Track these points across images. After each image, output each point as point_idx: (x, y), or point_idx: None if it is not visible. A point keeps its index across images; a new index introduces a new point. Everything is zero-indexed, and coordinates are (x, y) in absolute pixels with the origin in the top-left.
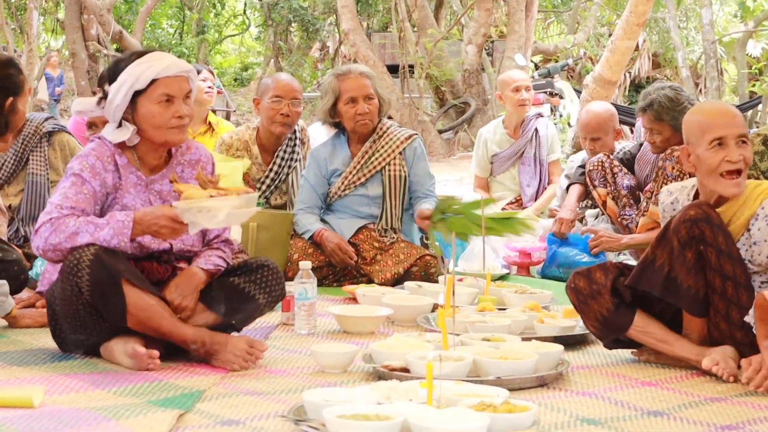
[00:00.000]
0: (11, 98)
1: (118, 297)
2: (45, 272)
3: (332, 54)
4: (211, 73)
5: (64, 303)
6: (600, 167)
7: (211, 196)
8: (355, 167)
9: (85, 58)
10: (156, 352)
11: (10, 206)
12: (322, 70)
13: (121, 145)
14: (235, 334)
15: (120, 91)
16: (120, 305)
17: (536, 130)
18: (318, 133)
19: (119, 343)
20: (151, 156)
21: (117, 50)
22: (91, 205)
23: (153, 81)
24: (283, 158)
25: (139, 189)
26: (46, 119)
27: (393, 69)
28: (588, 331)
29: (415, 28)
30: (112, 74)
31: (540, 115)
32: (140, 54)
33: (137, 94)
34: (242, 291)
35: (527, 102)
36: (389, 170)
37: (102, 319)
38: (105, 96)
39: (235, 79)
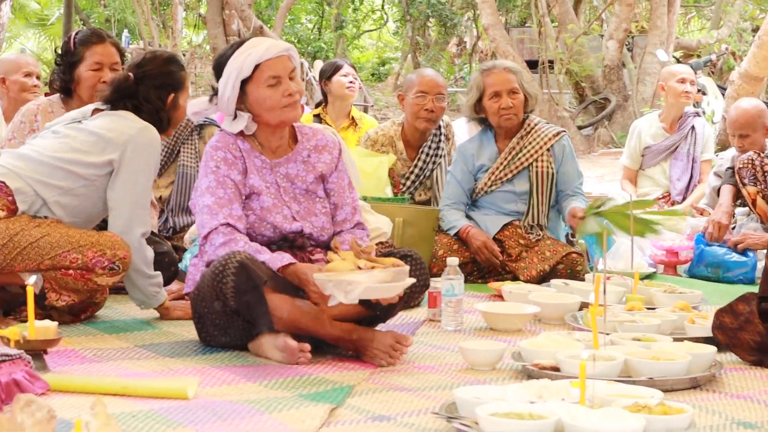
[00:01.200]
0: (173, 94)
1: (261, 303)
2: (189, 273)
3: (470, 49)
4: (353, 68)
5: (210, 307)
6: (750, 165)
7: (359, 268)
8: (502, 163)
9: None
10: (307, 346)
11: (160, 197)
12: (459, 66)
13: (241, 134)
14: (381, 327)
15: (228, 83)
16: (264, 311)
17: (693, 127)
18: (461, 130)
19: (269, 338)
20: (272, 139)
21: None
22: (239, 198)
23: (257, 66)
24: (428, 154)
25: (264, 172)
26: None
27: (532, 64)
28: None
29: (555, 24)
30: (217, 70)
31: (697, 114)
32: (238, 44)
33: (245, 83)
34: None
35: (690, 95)
36: (537, 167)
37: (248, 322)
38: (215, 93)
39: (373, 74)
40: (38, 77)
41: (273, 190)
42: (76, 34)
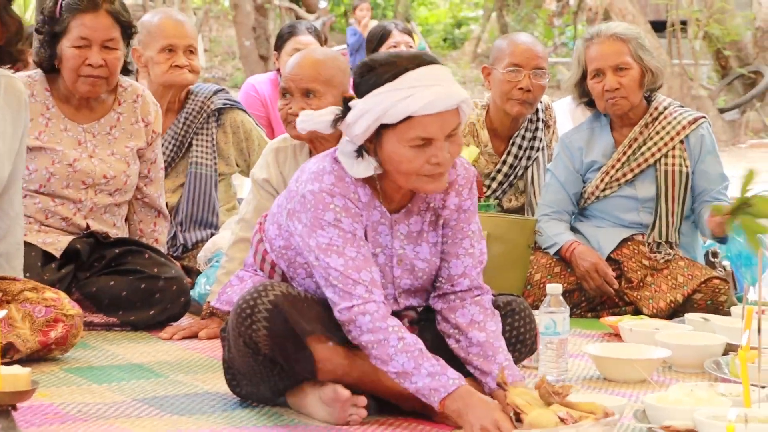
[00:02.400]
0: None
1: (303, 352)
2: (228, 286)
3: (574, 6)
4: (410, 35)
5: (239, 353)
6: None
7: (562, 420)
8: (619, 160)
9: (250, 11)
10: (363, 399)
11: (166, 205)
12: (559, 28)
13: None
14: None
15: (363, 119)
16: (307, 356)
17: None
18: (565, 114)
19: (313, 388)
20: (396, 193)
21: (292, 1)
22: (371, 261)
23: (407, 117)
24: (521, 146)
25: (381, 230)
26: (216, 92)
27: (658, 26)
28: None
29: None
30: (357, 87)
31: None
32: (398, 66)
33: (384, 126)
34: None
35: None
36: (666, 164)
37: (285, 372)
38: (344, 114)
39: (445, 39)
40: None
41: (381, 261)
42: None
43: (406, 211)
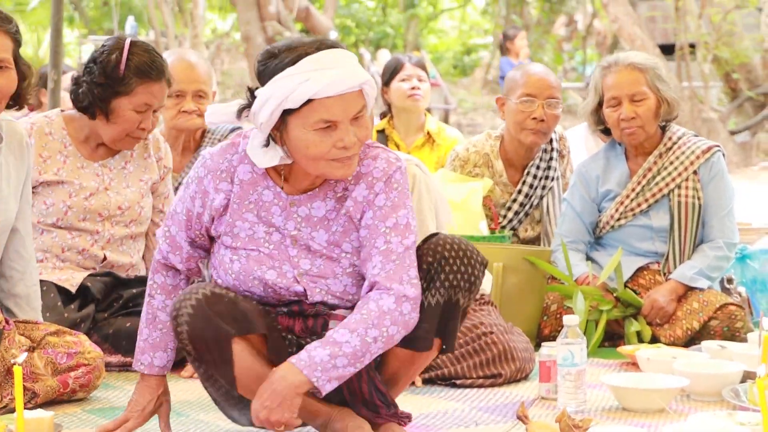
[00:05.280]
0: None
1: (225, 360)
2: None
3: (583, 31)
4: (423, 69)
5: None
6: None
7: None
8: (634, 189)
9: (262, 43)
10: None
11: None
12: (569, 53)
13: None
14: None
15: (266, 106)
16: (228, 370)
17: None
18: (579, 142)
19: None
20: (304, 179)
21: (303, 32)
22: (178, 244)
23: (309, 101)
24: (535, 176)
25: (273, 211)
26: (232, 130)
27: (667, 50)
28: None
29: None
30: (260, 77)
31: None
32: (298, 51)
33: (288, 112)
34: None
35: None
36: (679, 195)
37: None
38: (249, 104)
39: (455, 67)
40: None
41: (276, 238)
42: (131, 51)
43: (311, 195)
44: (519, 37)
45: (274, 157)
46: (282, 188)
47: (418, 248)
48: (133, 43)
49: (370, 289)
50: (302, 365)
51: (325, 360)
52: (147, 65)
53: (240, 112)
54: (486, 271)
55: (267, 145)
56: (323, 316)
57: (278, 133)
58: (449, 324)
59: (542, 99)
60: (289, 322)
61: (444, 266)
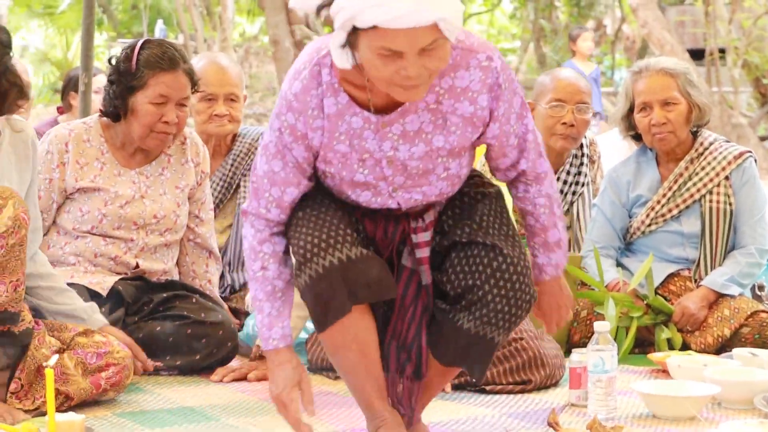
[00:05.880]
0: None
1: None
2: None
3: (612, 36)
4: None
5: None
6: None
7: None
8: (665, 195)
9: (290, 47)
10: None
11: None
12: (597, 57)
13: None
14: None
15: (340, 14)
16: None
17: None
18: (610, 147)
19: None
20: (386, 93)
21: None
22: (292, 183)
23: (374, 27)
24: (566, 182)
25: (366, 136)
26: (263, 134)
27: (697, 54)
28: None
29: (728, 0)
30: None
31: None
32: None
33: (356, 28)
34: None
35: None
36: (710, 201)
37: None
38: (330, 2)
39: None
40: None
41: (370, 163)
42: (142, 47)
43: (402, 111)
44: (581, 37)
45: (348, 59)
46: (371, 110)
47: (460, 255)
48: (146, 41)
49: (516, 178)
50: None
51: (563, 259)
52: (157, 56)
53: (320, 9)
54: None
55: (344, 46)
56: (403, 223)
57: (350, 40)
58: (482, 356)
59: (572, 104)
60: (370, 226)
61: (486, 300)
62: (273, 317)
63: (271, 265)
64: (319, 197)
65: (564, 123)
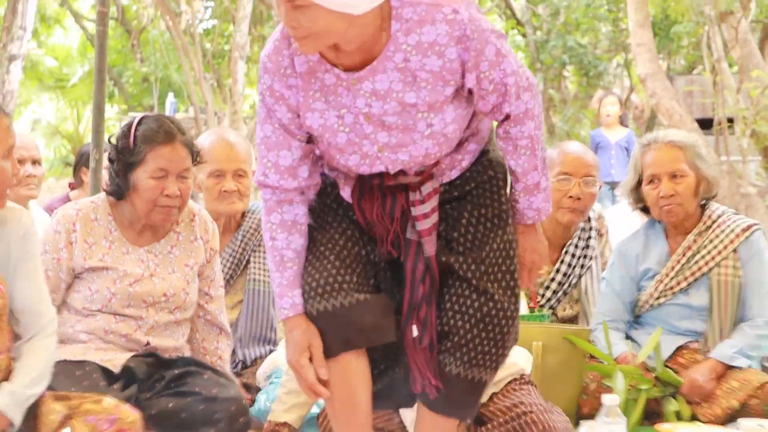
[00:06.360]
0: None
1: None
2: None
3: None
4: None
5: None
6: None
7: None
8: (673, 268)
9: None
10: None
11: None
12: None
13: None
14: None
15: None
16: None
17: None
18: (620, 219)
19: None
20: (352, 52)
21: None
22: (285, 145)
23: None
24: (574, 255)
25: (340, 92)
26: None
27: (705, 124)
28: None
29: (735, 70)
30: None
31: None
32: None
33: None
34: None
35: None
36: (719, 274)
37: None
38: None
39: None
40: (37, 162)
41: (349, 120)
42: (139, 123)
43: (371, 69)
44: (603, 103)
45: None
46: (340, 68)
47: (451, 291)
48: (143, 117)
49: (502, 120)
50: (535, 217)
51: (544, 204)
52: (153, 130)
53: None
54: (526, 352)
55: None
56: (401, 198)
57: None
58: (471, 399)
59: (579, 177)
60: (368, 205)
61: (474, 344)
62: (283, 287)
63: (279, 235)
64: (328, 234)
65: (570, 196)
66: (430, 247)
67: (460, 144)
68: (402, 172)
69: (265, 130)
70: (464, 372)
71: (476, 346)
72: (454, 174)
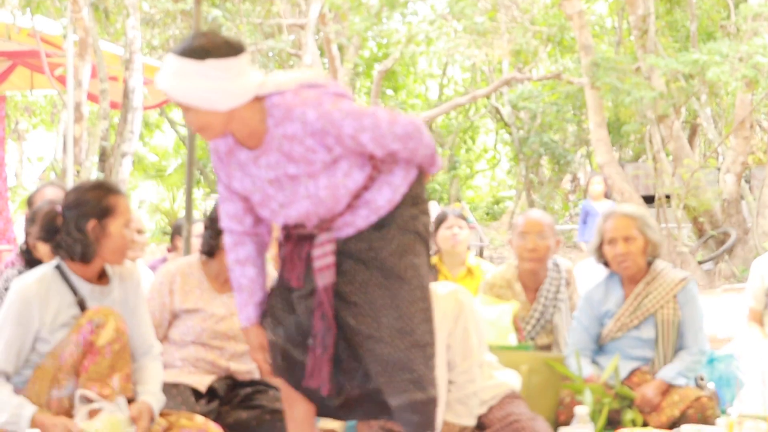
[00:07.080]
0: (95, 221)
1: None
2: None
3: (584, 185)
4: (462, 218)
5: None
6: None
7: None
8: (627, 309)
9: None
10: None
11: None
12: (574, 201)
13: None
14: None
15: None
16: None
17: None
18: (589, 271)
19: None
20: (248, 139)
21: None
22: (229, 198)
23: None
24: (546, 297)
25: (249, 166)
26: None
27: (649, 199)
28: None
29: (671, 158)
30: None
31: None
32: None
33: None
34: None
35: None
36: (663, 314)
37: None
38: None
39: (487, 213)
40: (141, 232)
41: (258, 185)
42: None
43: (262, 150)
44: (591, 182)
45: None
46: (247, 148)
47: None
48: None
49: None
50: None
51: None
52: None
53: None
54: (516, 373)
55: None
56: (306, 242)
57: None
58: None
59: (534, 233)
60: (288, 250)
61: (395, 382)
62: (240, 305)
63: (235, 267)
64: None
65: (528, 249)
66: (325, 292)
67: (351, 208)
68: (302, 225)
69: (219, 188)
70: (406, 399)
71: (397, 383)
72: (350, 231)
